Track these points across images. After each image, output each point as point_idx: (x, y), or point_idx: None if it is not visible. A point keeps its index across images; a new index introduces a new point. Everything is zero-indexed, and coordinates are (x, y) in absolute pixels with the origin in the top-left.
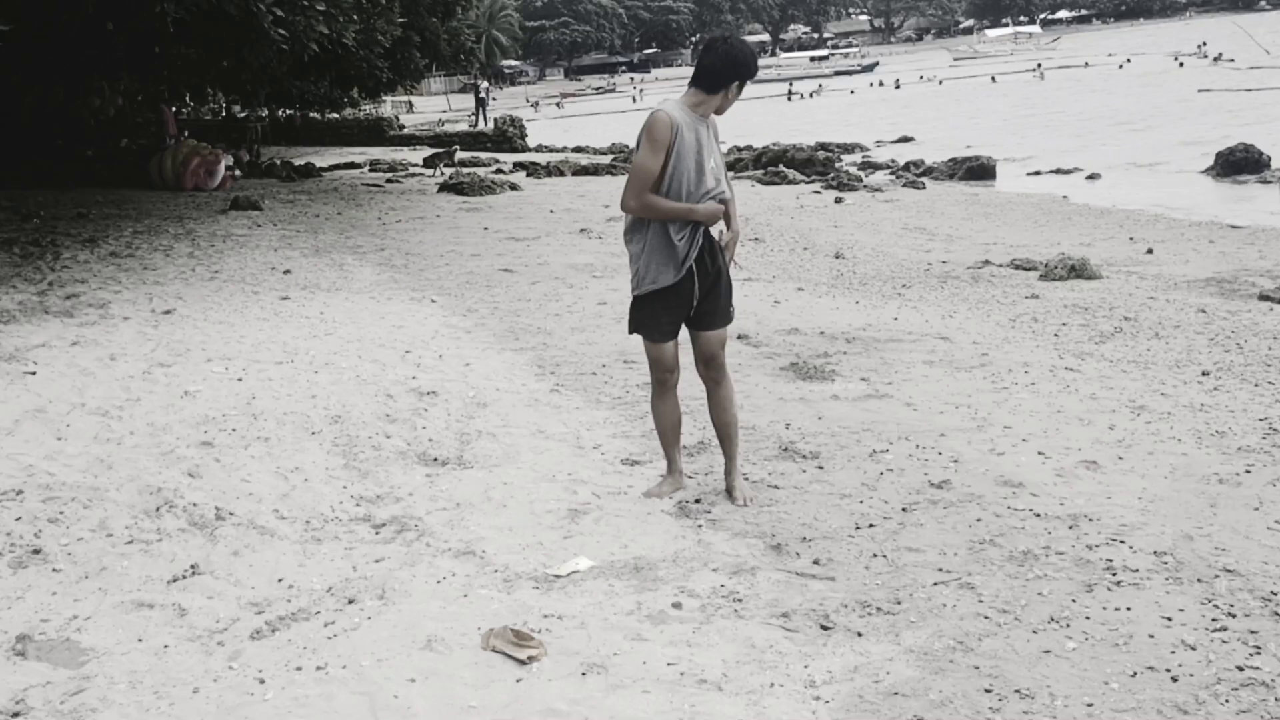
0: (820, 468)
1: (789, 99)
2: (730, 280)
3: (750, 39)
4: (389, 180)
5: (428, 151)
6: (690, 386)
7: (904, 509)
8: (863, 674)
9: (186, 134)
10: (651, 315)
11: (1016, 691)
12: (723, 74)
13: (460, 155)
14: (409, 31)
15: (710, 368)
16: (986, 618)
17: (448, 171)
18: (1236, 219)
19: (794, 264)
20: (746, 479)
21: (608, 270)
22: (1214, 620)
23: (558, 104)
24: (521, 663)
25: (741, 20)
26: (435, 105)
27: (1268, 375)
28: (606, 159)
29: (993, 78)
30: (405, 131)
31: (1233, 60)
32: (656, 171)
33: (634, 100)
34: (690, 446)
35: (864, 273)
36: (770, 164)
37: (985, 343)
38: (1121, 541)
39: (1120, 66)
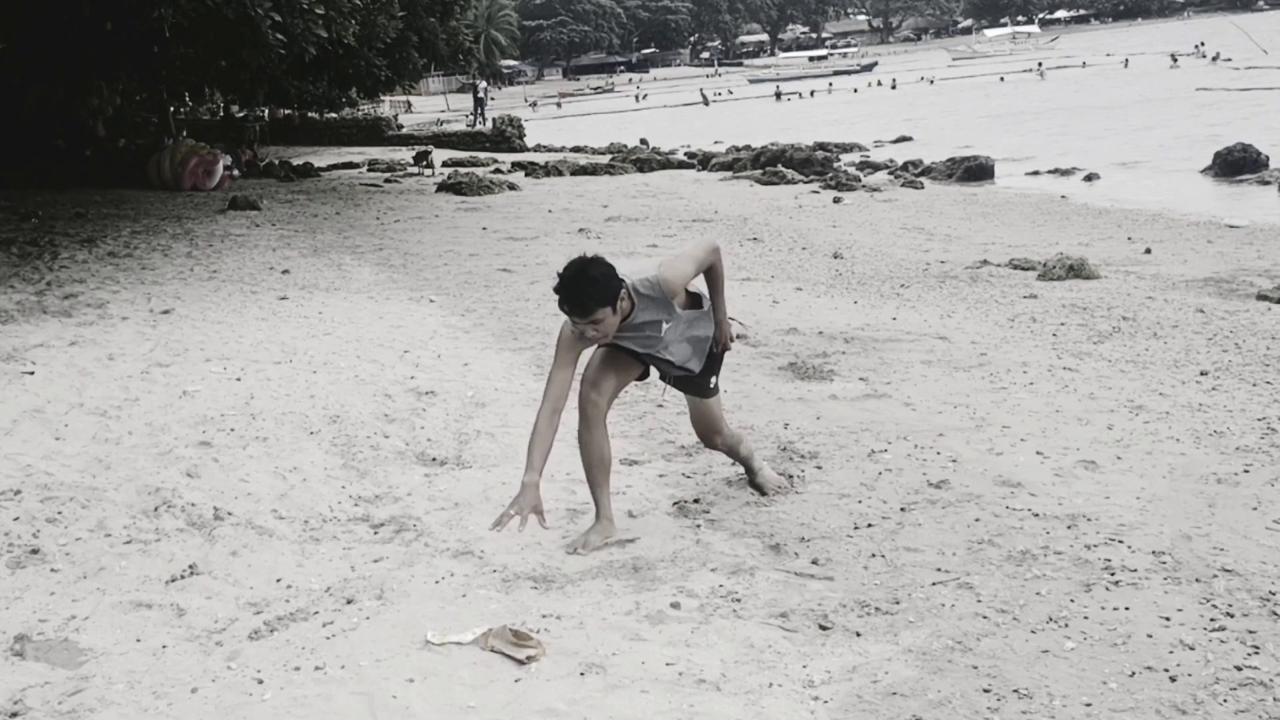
0: (819, 467)
1: (777, 99)
2: (713, 363)
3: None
4: (387, 180)
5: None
6: None
7: (902, 509)
8: (861, 674)
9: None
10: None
11: (1015, 691)
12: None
13: (458, 155)
14: (407, 31)
15: (707, 443)
16: (985, 617)
17: (429, 172)
18: (1234, 219)
19: (792, 264)
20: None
21: None
22: (1212, 620)
23: (556, 104)
24: (520, 663)
25: (739, 20)
26: (434, 105)
27: (1266, 375)
28: (605, 159)
29: (1001, 77)
30: (404, 131)
31: (1230, 60)
32: (566, 385)
33: (636, 100)
34: (689, 446)
35: (862, 272)
36: (769, 164)
37: (984, 342)
38: (1120, 541)
39: (1125, 64)
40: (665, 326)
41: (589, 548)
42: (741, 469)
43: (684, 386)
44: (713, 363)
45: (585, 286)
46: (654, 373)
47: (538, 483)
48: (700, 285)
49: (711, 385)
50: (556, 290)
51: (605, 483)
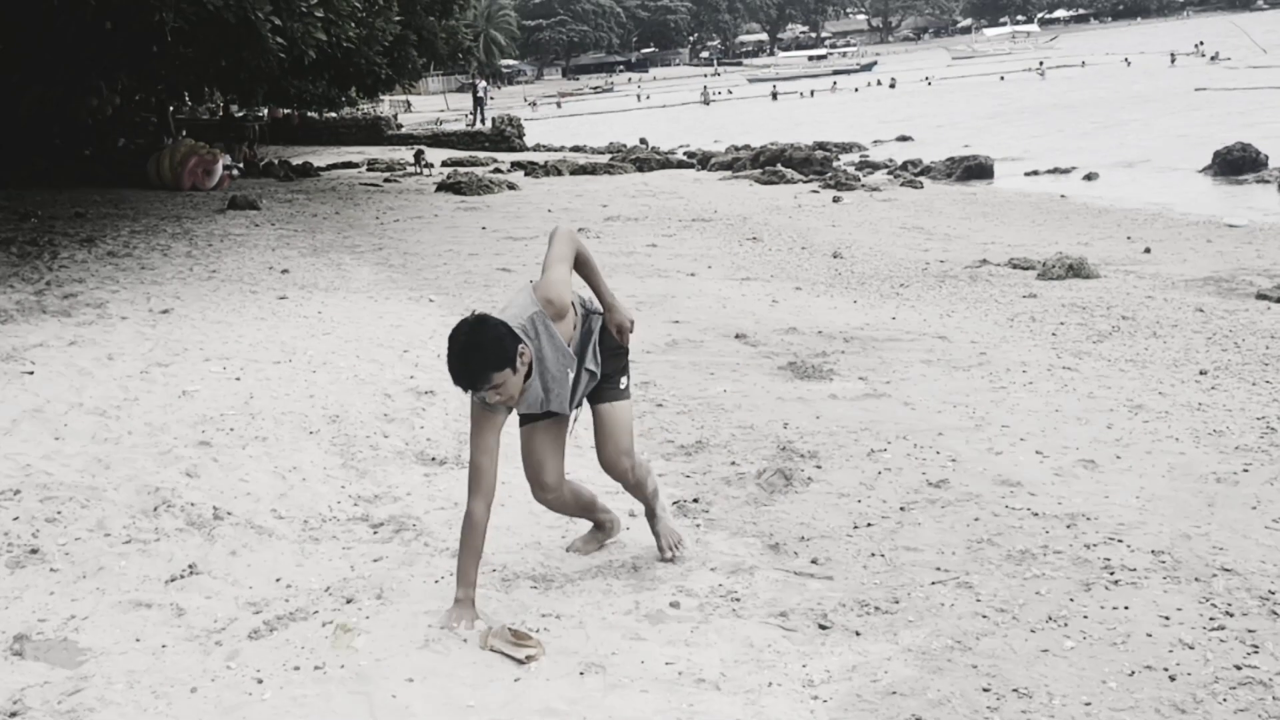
0: (818, 467)
1: (774, 99)
2: (619, 360)
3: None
4: (387, 180)
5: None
6: (689, 386)
7: (902, 508)
8: (861, 673)
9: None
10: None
11: (1014, 690)
12: None
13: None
14: (407, 30)
15: (612, 469)
16: (984, 617)
17: (427, 171)
18: (1234, 218)
19: (792, 263)
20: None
21: (606, 270)
22: (1212, 619)
23: (556, 103)
24: (519, 662)
25: (739, 20)
26: (433, 104)
27: (1265, 374)
28: (604, 158)
29: (1001, 77)
30: (403, 131)
31: (1229, 59)
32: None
33: (637, 99)
34: (689, 446)
35: (862, 272)
36: (768, 163)
37: (983, 342)
38: (1119, 540)
39: (1127, 64)
40: (570, 375)
41: (588, 551)
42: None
43: (592, 396)
44: (617, 359)
45: (474, 354)
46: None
47: (472, 599)
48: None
49: (622, 386)
50: (450, 365)
51: (597, 507)
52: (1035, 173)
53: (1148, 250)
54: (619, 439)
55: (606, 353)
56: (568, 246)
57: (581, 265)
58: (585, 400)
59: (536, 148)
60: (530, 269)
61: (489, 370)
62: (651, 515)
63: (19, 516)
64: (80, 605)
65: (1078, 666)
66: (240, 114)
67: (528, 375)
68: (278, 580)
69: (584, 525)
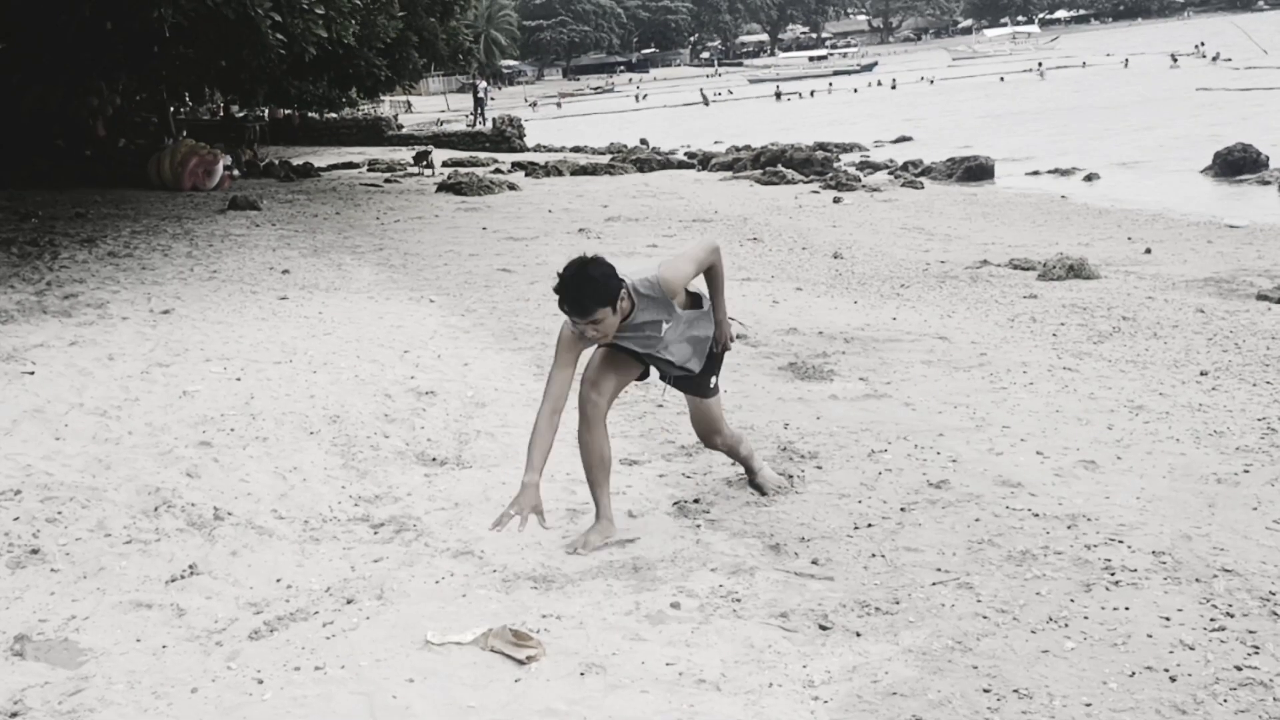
0: (819, 467)
1: (777, 99)
2: (712, 363)
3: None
4: (387, 180)
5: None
6: None
7: (902, 509)
8: (861, 674)
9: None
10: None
11: (1015, 691)
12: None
13: (458, 155)
14: (407, 31)
15: (707, 443)
16: (985, 617)
17: (428, 172)
18: (1234, 219)
19: (792, 264)
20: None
21: None
22: (1212, 620)
23: (556, 104)
24: (520, 663)
25: (739, 20)
26: (434, 105)
27: (1266, 375)
28: (605, 159)
29: (1001, 77)
30: (404, 131)
31: (1230, 60)
32: (566, 384)
33: (637, 100)
34: (689, 446)
35: (862, 272)
36: (769, 164)
37: (984, 342)
38: (1120, 541)
39: (1125, 64)
40: (665, 327)
41: (589, 548)
42: (742, 469)
43: (684, 387)
44: (713, 363)
45: (585, 286)
46: (654, 373)
47: (538, 483)
48: (701, 285)
49: (712, 385)
50: (556, 290)
51: (605, 482)
52: (1036, 173)
53: (1148, 251)
54: (712, 422)
55: (709, 358)
56: (706, 254)
57: (712, 280)
58: (681, 389)
59: (537, 148)
60: (531, 269)
61: (595, 304)
62: (751, 473)
63: (19, 517)
64: (81, 605)
65: (1078, 667)
66: (241, 114)
67: (625, 317)
68: (278, 581)
69: (587, 522)
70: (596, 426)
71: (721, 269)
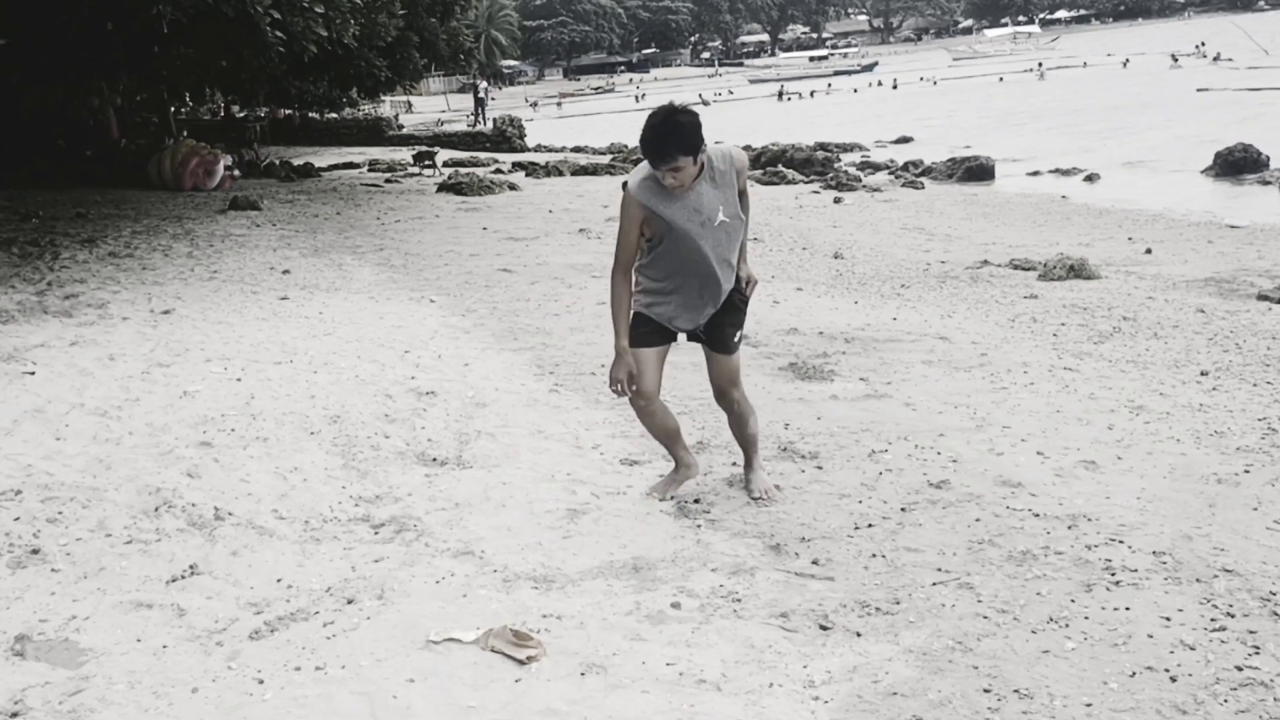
0: (819, 468)
1: (780, 99)
2: (737, 315)
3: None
4: (388, 180)
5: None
6: (689, 386)
7: (903, 509)
8: (862, 674)
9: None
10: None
11: (1015, 691)
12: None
13: (459, 155)
14: (408, 31)
15: (722, 398)
16: (985, 618)
17: (430, 172)
18: (1235, 219)
19: (793, 264)
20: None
21: (607, 270)
22: (1213, 620)
23: (557, 104)
24: (520, 663)
25: (740, 20)
26: (434, 105)
27: (1266, 375)
28: (605, 159)
29: (1000, 77)
30: (404, 131)
31: (1231, 60)
32: (632, 246)
33: (636, 100)
34: (690, 447)
35: (863, 273)
36: (769, 164)
37: (984, 343)
38: (1120, 541)
39: (1124, 64)
40: (721, 209)
41: (666, 494)
42: (739, 467)
43: (710, 340)
44: (736, 315)
45: (674, 131)
46: (680, 337)
47: (627, 347)
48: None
49: (735, 340)
50: (643, 135)
51: (679, 440)
52: (1037, 173)
53: (1149, 251)
54: (730, 374)
55: (731, 306)
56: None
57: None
58: (705, 342)
59: (537, 148)
60: (531, 269)
61: (678, 151)
62: (748, 464)
63: (20, 517)
64: (81, 605)
65: (1079, 667)
66: (241, 114)
67: (698, 175)
68: (279, 581)
69: (586, 525)
70: (654, 415)
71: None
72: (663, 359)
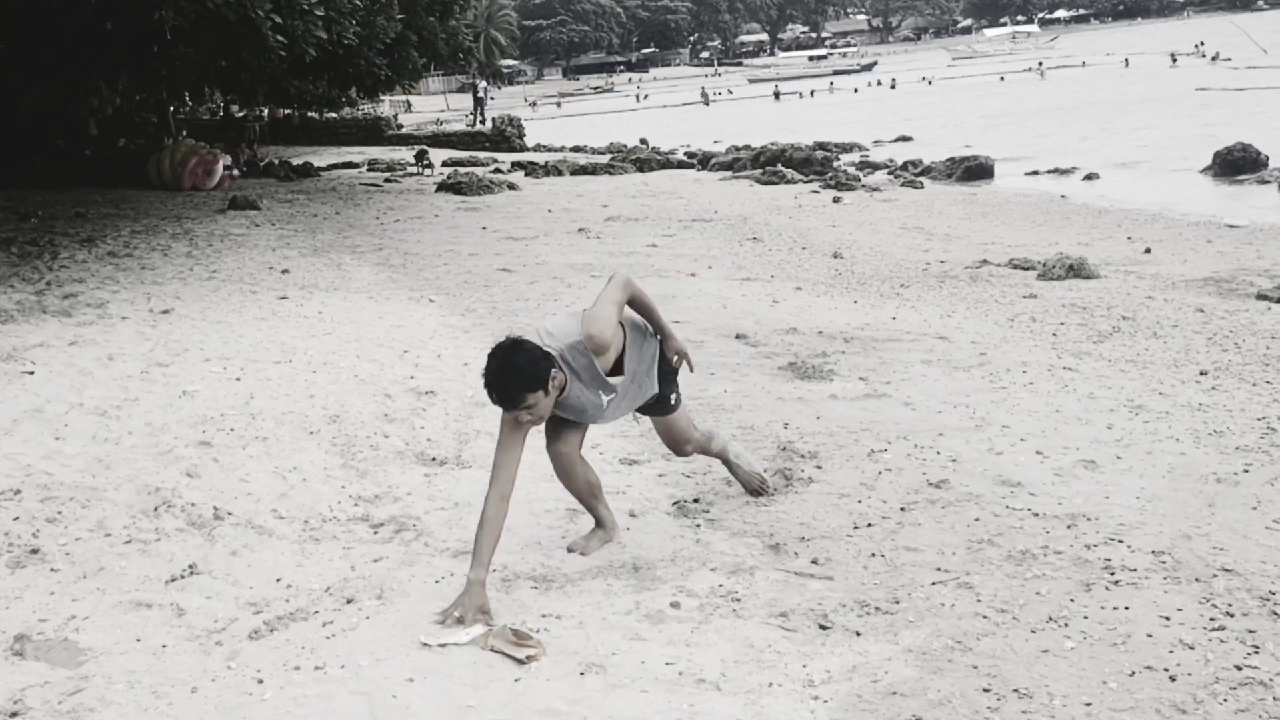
0: (818, 467)
1: (776, 99)
2: (668, 385)
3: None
4: (387, 180)
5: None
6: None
7: (902, 508)
8: (861, 673)
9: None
10: None
11: (1015, 691)
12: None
13: (458, 155)
14: (407, 31)
15: (680, 453)
16: (985, 617)
17: (428, 172)
18: (1234, 218)
19: (792, 263)
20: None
21: (606, 270)
22: (1212, 620)
23: (556, 104)
24: (520, 662)
25: (739, 20)
26: (434, 105)
27: (1265, 375)
28: (605, 159)
29: (1001, 77)
30: (403, 131)
31: (1230, 59)
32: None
33: (637, 100)
34: None
35: (862, 272)
36: (768, 163)
37: (983, 342)
38: (1120, 541)
39: (1125, 64)
40: (606, 401)
41: (589, 551)
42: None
43: (645, 411)
44: (667, 382)
45: (511, 375)
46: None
47: (484, 580)
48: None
49: (672, 402)
50: (486, 384)
51: (599, 498)
52: (1036, 173)
53: (1148, 250)
54: (677, 435)
55: (663, 375)
56: (620, 290)
57: (638, 306)
58: (643, 413)
59: (537, 148)
60: (531, 269)
61: (524, 391)
62: (728, 465)
63: (19, 516)
64: (81, 605)
65: (1078, 667)
66: (241, 114)
67: (560, 392)
68: (278, 580)
69: (585, 525)
70: (574, 469)
71: (642, 293)
72: (582, 429)
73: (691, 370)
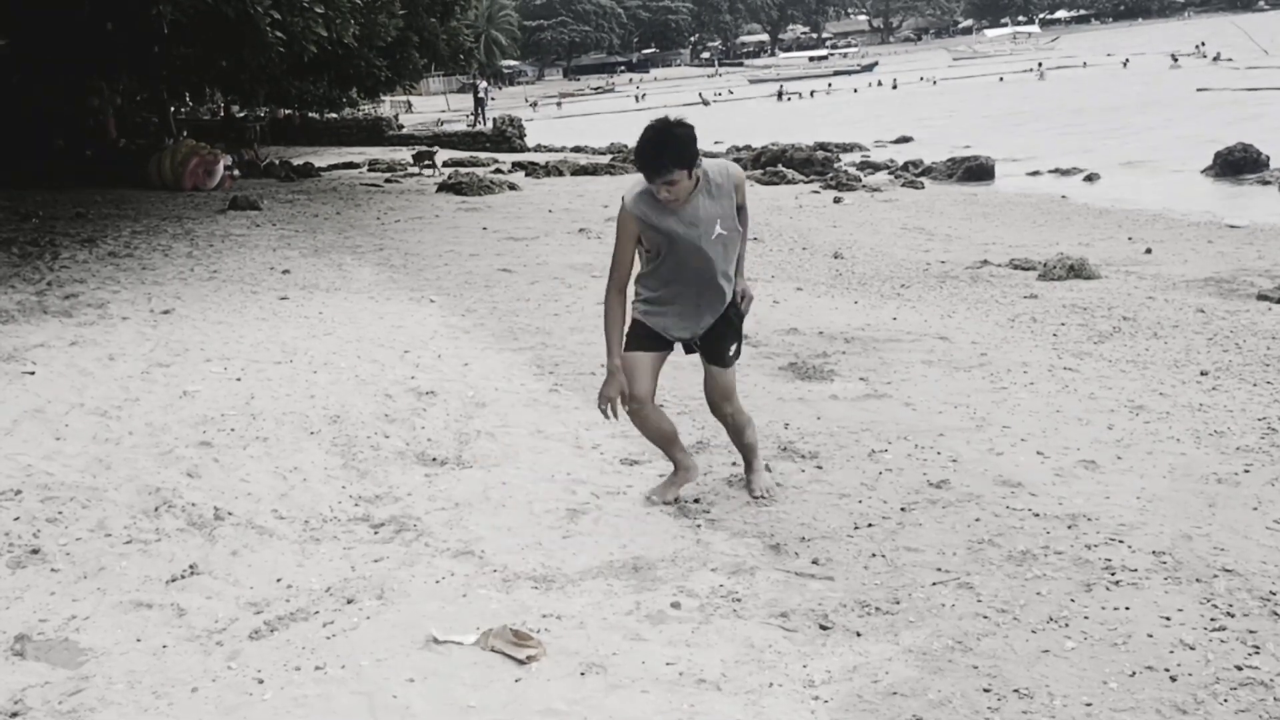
0: (819, 467)
1: (780, 99)
2: (732, 329)
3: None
4: (387, 180)
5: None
6: (689, 386)
7: (903, 509)
8: (861, 674)
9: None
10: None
11: (1015, 691)
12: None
13: (459, 155)
14: (408, 31)
15: (716, 411)
16: (985, 617)
17: (429, 172)
18: (1235, 219)
19: (793, 264)
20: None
21: (606, 270)
22: (1212, 620)
23: (557, 104)
24: (520, 662)
25: (740, 20)
26: (434, 105)
27: (1266, 375)
28: (605, 159)
29: (1001, 77)
30: (404, 131)
31: (1231, 60)
32: (627, 263)
33: (636, 100)
34: (690, 446)
35: (863, 272)
36: (769, 163)
37: (984, 342)
38: (1120, 541)
39: (1124, 64)
40: (718, 222)
41: (667, 498)
42: (739, 466)
43: (705, 352)
44: (732, 330)
45: (669, 143)
46: (677, 348)
47: (619, 366)
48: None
49: (731, 353)
50: (638, 149)
51: (677, 443)
52: (1036, 173)
53: (1149, 251)
54: (724, 389)
55: (726, 320)
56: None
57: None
58: (702, 354)
59: (537, 148)
60: (531, 269)
61: (673, 164)
62: (749, 467)
63: (20, 516)
64: (81, 605)
65: (1079, 667)
66: (241, 114)
67: (694, 189)
68: (278, 580)
69: (587, 522)
70: (650, 421)
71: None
72: (658, 365)
73: (746, 309)
